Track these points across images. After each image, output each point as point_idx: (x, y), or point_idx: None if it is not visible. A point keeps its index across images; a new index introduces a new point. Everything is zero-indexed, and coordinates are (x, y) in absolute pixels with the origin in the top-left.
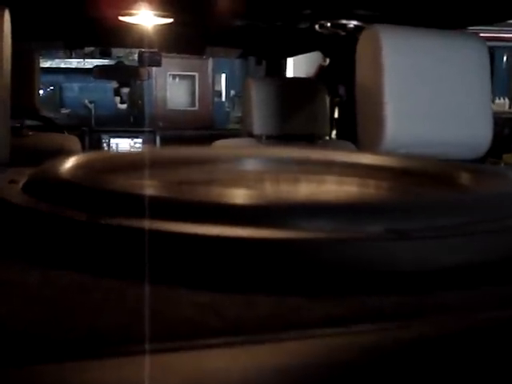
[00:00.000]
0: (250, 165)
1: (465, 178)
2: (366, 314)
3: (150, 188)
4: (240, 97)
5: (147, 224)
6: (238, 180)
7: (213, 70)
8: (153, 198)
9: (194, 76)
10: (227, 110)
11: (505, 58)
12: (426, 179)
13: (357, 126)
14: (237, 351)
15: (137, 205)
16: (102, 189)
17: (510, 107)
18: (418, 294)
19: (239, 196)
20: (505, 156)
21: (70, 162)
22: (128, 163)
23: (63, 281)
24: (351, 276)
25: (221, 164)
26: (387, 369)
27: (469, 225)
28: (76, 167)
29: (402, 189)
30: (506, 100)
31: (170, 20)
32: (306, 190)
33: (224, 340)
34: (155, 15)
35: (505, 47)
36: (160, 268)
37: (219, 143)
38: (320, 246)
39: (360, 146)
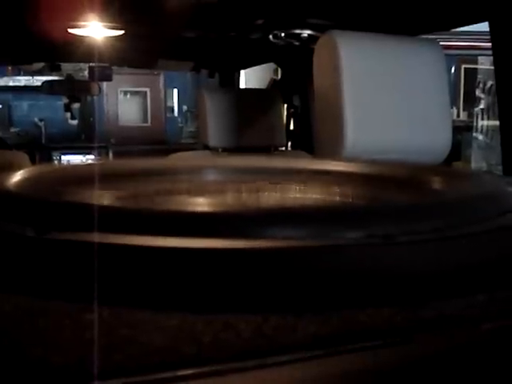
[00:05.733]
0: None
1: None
2: (359, 332)
3: (103, 199)
4: (192, 112)
5: (102, 238)
6: (198, 191)
7: (164, 85)
8: (106, 210)
9: (145, 92)
10: (180, 125)
11: (453, 68)
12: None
13: (315, 134)
14: (217, 381)
15: (88, 217)
16: (48, 201)
17: (458, 116)
18: (412, 305)
19: (205, 206)
20: (455, 164)
21: (12, 176)
22: (75, 175)
23: (6, 306)
24: (339, 288)
25: (175, 175)
26: None
27: (454, 227)
28: (19, 180)
29: (370, 194)
30: (454, 109)
31: (121, 32)
32: (272, 198)
33: (201, 370)
34: (105, 27)
35: (453, 56)
36: (120, 288)
37: (174, 156)
38: (303, 256)
39: (319, 155)
